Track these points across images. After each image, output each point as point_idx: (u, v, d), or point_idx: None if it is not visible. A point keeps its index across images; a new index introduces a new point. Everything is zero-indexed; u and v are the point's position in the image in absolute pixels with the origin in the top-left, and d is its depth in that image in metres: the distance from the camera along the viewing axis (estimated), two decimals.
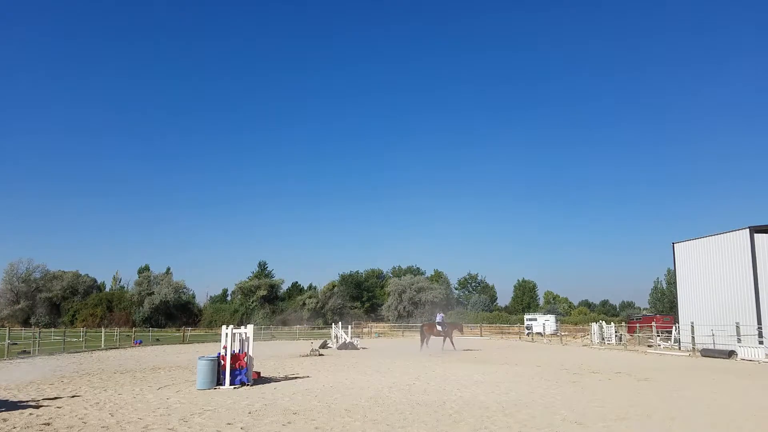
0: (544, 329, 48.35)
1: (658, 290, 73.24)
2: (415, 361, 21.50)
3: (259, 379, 14.56)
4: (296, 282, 79.52)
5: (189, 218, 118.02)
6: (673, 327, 33.81)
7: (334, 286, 72.99)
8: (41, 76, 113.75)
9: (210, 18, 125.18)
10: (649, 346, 32.56)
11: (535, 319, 55.59)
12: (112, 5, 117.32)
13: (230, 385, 13.29)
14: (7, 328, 38.26)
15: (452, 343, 28.56)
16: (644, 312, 61.38)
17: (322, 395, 11.81)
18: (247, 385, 13.53)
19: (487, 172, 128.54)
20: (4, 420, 8.90)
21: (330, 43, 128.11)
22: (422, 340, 28.93)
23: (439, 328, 29.16)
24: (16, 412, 9.59)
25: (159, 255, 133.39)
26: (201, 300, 76.84)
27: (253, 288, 70.42)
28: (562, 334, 45.23)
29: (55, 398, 11.44)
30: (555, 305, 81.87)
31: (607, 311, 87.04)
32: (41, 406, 10.40)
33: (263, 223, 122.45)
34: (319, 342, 32.63)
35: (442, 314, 32.23)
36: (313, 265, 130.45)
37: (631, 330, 39.09)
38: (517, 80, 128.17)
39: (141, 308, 65.06)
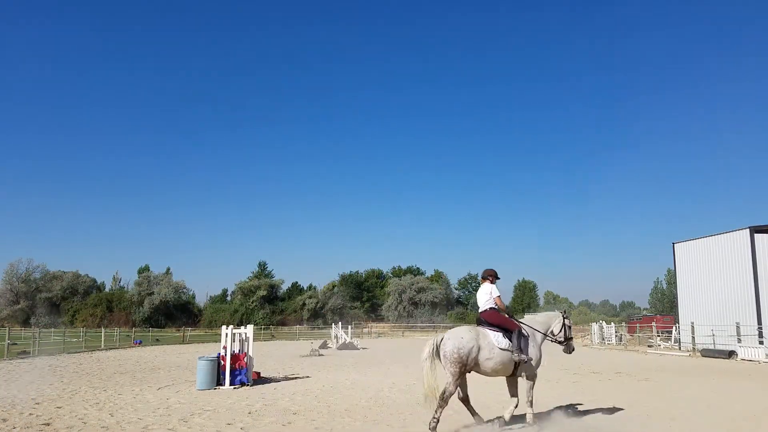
0: None
1: (658, 290, 73.35)
2: (415, 361, 21.47)
3: (259, 380, 14.55)
4: (296, 282, 79.46)
5: (189, 218, 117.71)
6: (673, 327, 33.80)
7: (334, 286, 73.03)
8: (41, 74, 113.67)
9: (209, 15, 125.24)
10: (649, 346, 32.56)
11: None
12: (109, 4, 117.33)
13: (230, 385, 13.28)
14: (7, 329, 38.17)
15: None
16: (644, 312, 61.41)
17: (322, 395, 11.81)
18: (247, 385, 13.52)
19: (487, 172, 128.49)
20: (4, 420, 8.89)
21: (330, 40, 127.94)
22: None
23: None
24: (16, 412, 9.58)
25: (159, 255, 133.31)
26: (201, 300, 76.76)
27: (253, 288, 70.39)
28: None
29: (55, 398, 11.43)
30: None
31: (607, 311, 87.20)
32: (41, 406, 10.39)
33: (263, 223, 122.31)
34: (319, 342, 32.60)
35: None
36: (313, 265, 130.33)
37: (631, 330, 39.09)
38: (513, 80, 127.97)
39: (141, 308, 65.01)
